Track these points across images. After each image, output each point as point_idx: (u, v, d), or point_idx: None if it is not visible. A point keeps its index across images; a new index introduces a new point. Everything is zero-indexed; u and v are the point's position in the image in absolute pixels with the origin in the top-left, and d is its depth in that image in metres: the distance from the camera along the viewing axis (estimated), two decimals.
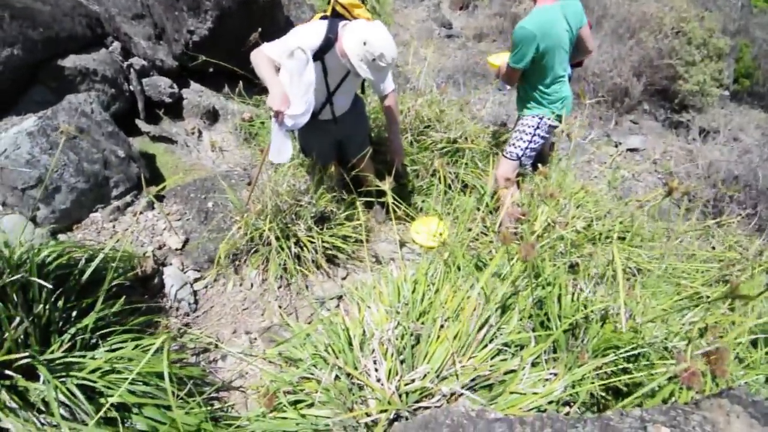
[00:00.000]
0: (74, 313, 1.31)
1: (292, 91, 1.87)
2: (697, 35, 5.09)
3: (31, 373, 1.05)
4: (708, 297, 2.04)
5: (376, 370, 1.64)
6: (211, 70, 3.44)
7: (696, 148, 4.61)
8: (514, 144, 2.41)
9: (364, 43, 1.80)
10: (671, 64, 5.10)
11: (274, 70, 1.87)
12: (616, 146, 4.78)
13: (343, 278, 2.25)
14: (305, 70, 1.83)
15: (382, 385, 1.52)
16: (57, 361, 1.09)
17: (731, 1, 7.63)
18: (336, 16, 2.07)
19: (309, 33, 1.89)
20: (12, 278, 1.18)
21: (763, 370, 1.85)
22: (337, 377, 1.53)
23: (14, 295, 1.17)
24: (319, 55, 1.92)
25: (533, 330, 1.82)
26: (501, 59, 2.39)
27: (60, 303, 1.29)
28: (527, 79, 2.33)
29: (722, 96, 5.78)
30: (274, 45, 1.89)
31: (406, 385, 1.50)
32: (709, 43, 5.11)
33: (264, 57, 1.87)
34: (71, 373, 1.07)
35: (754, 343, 2.03)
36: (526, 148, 2.39)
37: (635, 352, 1.72)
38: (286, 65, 1.85)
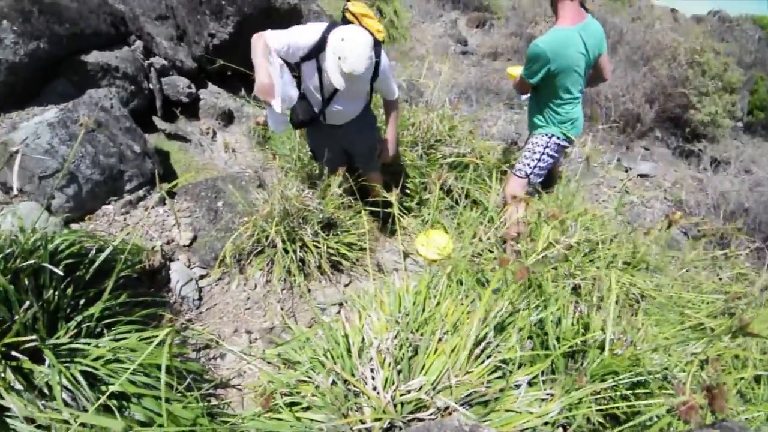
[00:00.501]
0: (82, 301, 1.34)
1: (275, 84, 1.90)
2: (712, 66, 5.10)
3: (37, 357, 1.08)
4: (712, 329, 2.03)
5: (373, 378, 1.65)
6: (228, 72, 3.50)
7: (706, 178, 4.60)
8: (523, 162, 2.43)
9: (342, 40, 1.82)
10: (684, 93, 5.11)
11: (266, 59, 1.88)
12: (627, 171, 4.78)
13: (346, 285, 2.27)
14: (281, 74, 1.87)
15: (377, 393, 1.53)
16: (63, 347, 1.12)
17: (748, 33, 7.64)
18: (345, 24, 2.10)
19: (309, 30, 1.94)
20: (25, 263, 1.21)
21: (765, 408, 1.83)
22: (334, 382, 1.54)
23: (26, 280, 1.20)
24: (314, 53, 1.94)
25: (533, 349, 1.82)
26: (519, 71, 2.42)
27: (69, 290, 1.32)
28: (539, 97, 2.36)
29: (735, 127, 5.78)
30: (275, 35, 1.92)
31: (401, 395, 1.51)
32: (723, 75, 5.12)
33: (262, 43, 1.90)
34: (75, 360, 1.10)
35: (757, 379, 2.01)
36: (535, 166, 2.41)
37: (634, 379, 1.71)
38: (272, 61, 1.88)
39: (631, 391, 1.74)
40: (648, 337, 1.93)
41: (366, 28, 2.04)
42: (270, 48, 1.91)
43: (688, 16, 10.85)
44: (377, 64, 2.01)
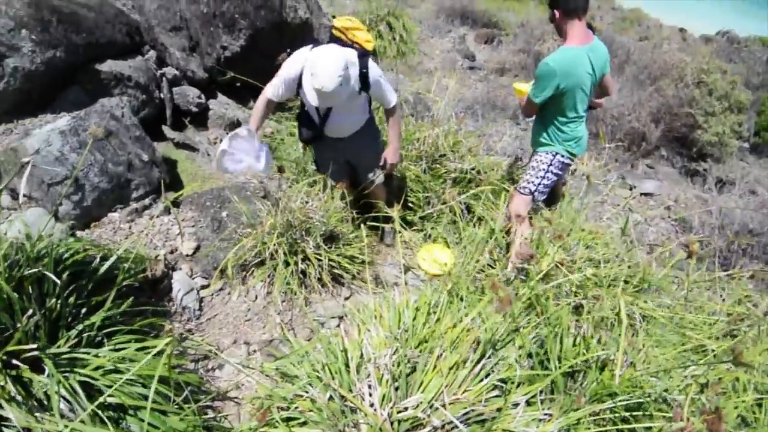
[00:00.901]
0: (84, 310, 1.35)
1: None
2: (719, 87, 5.11)
3: (36, 366, 1.09)
4: (713, 350, 2.01)
5: (371, 394, 1.64)
6: (238, 84, 3.55)
7: (711, 198, 4.58)
8: (527, 179, 2.44)
9: (316, 57, 1.93)
10: (691, 113, 5.12)
11: (258, 118, 2.16)
12: (631, 189, 4.77)
13: (347, 298, 2.27)
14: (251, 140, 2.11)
15: (374, 410, 1.52)
16: (63, 356, 1.13)
17: (755, 55, 7.64)
18: (333, 41, 2.19)
19: (294, 59, 2.07)
20: (30, 271, 1.23)
21: None
22: (331, 398, 1.54)
23: (30, 288, 1.22)
24: (300, 77, 2.06)
25: (532, 368, 1.81)
26: (527, 87, 2.44)
27: (71, 299, 1.34)
28: (545, 115, 2.38)
29: (741, 148, 5.76)
30: (271, 84, 2.12)
31: (398, 412, 1.51)
32: (731, 95, 5.13)
33: (262, 99, 2.13)
34: (75, 369, 1.11)
35: (759, 403, 1.99)
36: (539, 183, 2.42)
37: (633, 401, 1.70)
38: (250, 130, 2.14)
39: (629, 413, 1.73)
40: (648, 358, 1.92)
41: (353, 41, 2.10)
42: (270, 101, 2.14)
43: (697, 36, 10.90)
44: (364, 75, 2.07)
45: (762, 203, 4.52)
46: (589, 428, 1.69)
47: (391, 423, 1.49)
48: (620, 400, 1.73)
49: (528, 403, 1.67)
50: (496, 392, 1.65)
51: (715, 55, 5.76)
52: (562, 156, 2.38)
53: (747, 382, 1.93)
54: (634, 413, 1.76)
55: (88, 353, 1.18)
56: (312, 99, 1.97)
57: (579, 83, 2.22)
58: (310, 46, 2.10)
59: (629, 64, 5.93)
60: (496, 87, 6.31)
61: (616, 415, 1.76)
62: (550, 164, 2.39)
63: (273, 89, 2.11)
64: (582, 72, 2.22)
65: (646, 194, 4.71)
